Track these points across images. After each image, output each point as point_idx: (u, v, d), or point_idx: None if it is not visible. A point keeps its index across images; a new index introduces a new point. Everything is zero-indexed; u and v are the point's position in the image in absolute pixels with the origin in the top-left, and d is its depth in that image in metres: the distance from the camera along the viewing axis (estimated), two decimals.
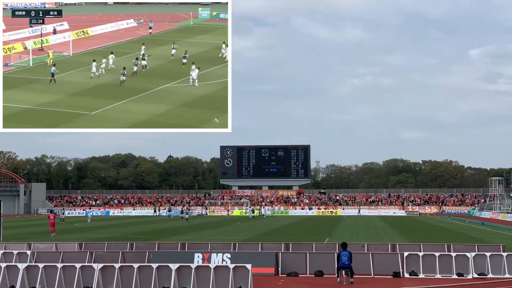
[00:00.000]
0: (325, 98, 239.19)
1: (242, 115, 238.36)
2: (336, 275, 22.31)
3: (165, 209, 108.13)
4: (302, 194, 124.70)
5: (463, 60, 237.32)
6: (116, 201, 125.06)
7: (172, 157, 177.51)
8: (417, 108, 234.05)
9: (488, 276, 23.19)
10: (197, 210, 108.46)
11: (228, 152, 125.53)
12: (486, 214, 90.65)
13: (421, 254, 24.34)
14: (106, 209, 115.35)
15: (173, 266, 20.25)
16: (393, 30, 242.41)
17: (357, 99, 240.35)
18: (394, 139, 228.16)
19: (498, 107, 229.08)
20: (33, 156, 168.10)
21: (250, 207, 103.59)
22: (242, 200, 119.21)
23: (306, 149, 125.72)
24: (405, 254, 24.22)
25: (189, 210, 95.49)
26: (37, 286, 20.41)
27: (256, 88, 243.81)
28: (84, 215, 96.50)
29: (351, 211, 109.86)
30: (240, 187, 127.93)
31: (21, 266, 20.87)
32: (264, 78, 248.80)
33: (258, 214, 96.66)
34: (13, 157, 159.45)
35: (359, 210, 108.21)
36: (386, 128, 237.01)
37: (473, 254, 24.06)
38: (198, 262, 23.83)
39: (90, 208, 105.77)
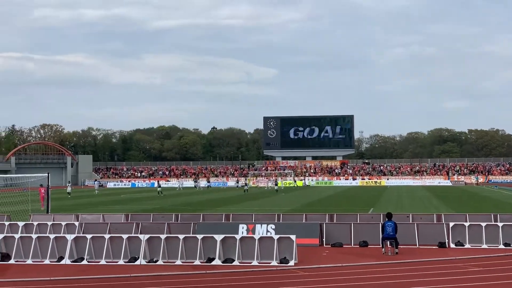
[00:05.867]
0: (368, 68, 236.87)
1: (285, 86, 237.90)
2: (381, 246, 22.23)
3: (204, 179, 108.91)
4: (346, 165, 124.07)
5: (509, 27, 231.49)
6: (161, 173, 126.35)
7: (216, 128, 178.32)
8: (461, 77, 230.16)
9: None
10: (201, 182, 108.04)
11: (272, 123, 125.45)
12: None
13: (467, 224, 24.06)
14: (151, 181, 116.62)
15: (218, 237, 20.41)
16: None
17: (400, 69, 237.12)
18: (438, 109, 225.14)
19: None
20: (79, 128, 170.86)
21: (272, 178, 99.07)
22: (286, 171, 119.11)
23: (349, 119, 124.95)
24: (451, 224, 23.97)
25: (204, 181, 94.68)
26: (85, 257, 20.78)
27: (300, 60, 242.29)
28: (130, 186, 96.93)
29: (395, 181, 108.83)
30: (284, 158, 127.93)
31: (69, 237, 21.27)
32: (307, 49, 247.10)
33: (280, 185, 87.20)
34: (60, 129, 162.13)
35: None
36: (430, 97, 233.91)
37: None
38: (242, 233, 23.95)
39: (95, 180, 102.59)
